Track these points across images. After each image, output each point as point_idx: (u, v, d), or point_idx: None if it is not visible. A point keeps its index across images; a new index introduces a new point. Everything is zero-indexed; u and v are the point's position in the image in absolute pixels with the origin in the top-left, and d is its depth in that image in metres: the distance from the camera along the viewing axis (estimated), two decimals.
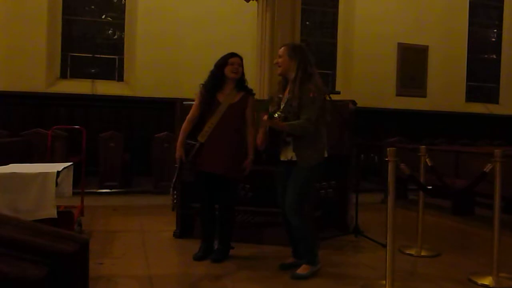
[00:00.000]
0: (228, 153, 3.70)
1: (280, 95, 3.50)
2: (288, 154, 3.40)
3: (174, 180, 3.87)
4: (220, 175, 3.70)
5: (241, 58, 3.82)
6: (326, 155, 3.47)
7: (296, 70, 3.37)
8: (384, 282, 3.17)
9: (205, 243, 3.88)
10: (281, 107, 3.41)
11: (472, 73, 10.87)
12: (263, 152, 3.48)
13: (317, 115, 3.32)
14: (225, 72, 3.76)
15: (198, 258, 3.79)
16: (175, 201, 3.75)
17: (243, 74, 3.83)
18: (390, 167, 3.17)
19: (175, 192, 3.77)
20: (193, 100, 3.94)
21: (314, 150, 3.37)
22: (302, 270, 3.42)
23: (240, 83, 3.82)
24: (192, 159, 3.71)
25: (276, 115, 3.27)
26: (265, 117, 3.25)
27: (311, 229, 3.48)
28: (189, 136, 3.77)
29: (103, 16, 8.89)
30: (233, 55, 3.80)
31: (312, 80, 3.37)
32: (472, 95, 10.90)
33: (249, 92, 3.84)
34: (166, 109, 7.59)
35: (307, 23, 9.89)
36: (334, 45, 10.04)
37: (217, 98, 3.76)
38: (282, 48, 3.51)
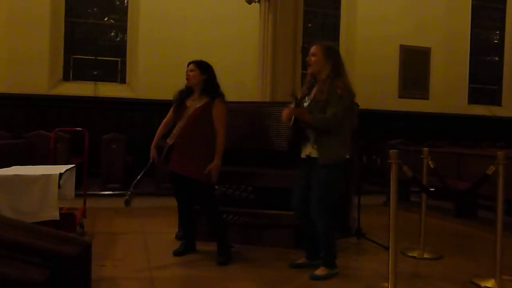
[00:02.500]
0: (193, 156, 3.79)
1: (307, 94, 3.50)
2: (307, 150, 3.42)
3: (138, 177, 3.99)
4: (189, 177, 3.79)
5: (195, 64, 3.89)
6: (347, 156, 3.47)
7: (329, 71, 3.39)
8: (386, 284, 3.17)
9: (185, 240, 4.05)
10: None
11: (474, 75, 10.86)
12: (288, 148, 3.51)
13: (343, 114, 3.31)
14: None
15: (177, 253, 3.93)
16: (129, 197, 3.82)
17: (208, 79, 3.87)
18: (393, 169, 3.16)
19: (131, 188, 3.85)
20: None
21: (334, 148, 3.35)
22: (320, 271, 3.43)
23: (206, 89, 3.87)
24: (163, 160, 3.93)
25: (304, 104, 3.29)
26: (292, 105, 3.26)
27: (334, 234, 3.53)
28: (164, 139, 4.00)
29: (106, 19, 8.91)
30: (189, 63, 3.95)
31: (342, 79, 3.40)
32: (474, 97, 10.89)
33: (214, 97, 3.85)
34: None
35: (309, 25, 9.90)
36: (336, 47, 10.04)
37: (185, 104, 3.92)
38: (316, 46, 3.51)
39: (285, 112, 3.44)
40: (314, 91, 3.47)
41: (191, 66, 3.92)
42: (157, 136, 4.05)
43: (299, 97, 3.40)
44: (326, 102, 3.29)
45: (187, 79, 3.92)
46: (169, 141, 3.89)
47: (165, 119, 4.11)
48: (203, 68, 3.90)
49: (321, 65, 3.43)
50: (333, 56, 3.47)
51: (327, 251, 3.48)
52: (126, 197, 3.83)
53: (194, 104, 3.88)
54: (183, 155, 3.82)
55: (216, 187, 4.12)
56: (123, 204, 3.86)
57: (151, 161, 4.01)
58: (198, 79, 3.88)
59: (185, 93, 3.96)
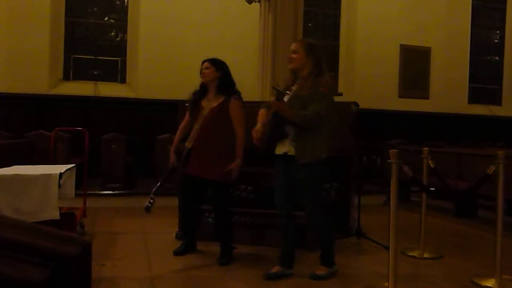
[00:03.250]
0: (213, 156, 3.73)
1: (288, 91, 3.38)
2: (285, 147, 3.31)
3: (158, 184, 3.92)
4: (206, 179, 3.75)
5: (210, 62, 3.86)
6: (324, 155, 3.32)
7: (311, 68, 3.31)
8: (386, 284, 3.17)
9: (186, 240, 4.04)
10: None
11: (474, 75, 10.86)
12: (262, 146, 3.34)
13: (324, 113, 3.24)
14: None
15: (177, 253, 3.94)
16: (150, 204, 3.74)
17: (223, 77, 3.85)
18: (393, 169, 3.16)
19: (153, 196, 3.76)
20: None
21: (312, 147, 3.25)
22: (321, 270, 3.43)
23: (221, 86, 3.84)
24: (182, 165, 3.85)
25: (285, 99, 3.19)
26: (273, 99, 3.17)
27: (333, 232, 3.53)
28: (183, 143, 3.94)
29: (106, 18, 8.91)
30: (203, 61, 3.91)
31: (324, 76, 3.33)
32: (474, 96, 10.88)
33: (230, 95, 3.82)
34: (169, 111, 7.58)
35: (309, 24, 9.90)
36: (336, 47, 10.04)
37: (201, 104, 3.86)
38: (297, 43, 3.43)
39: (263, 105, 3.39)
40: (294, 87, 3.37)
41: (206, 63, 3.87)
42: (176, 141, 4.00)
43: (281, 90, 3.29)
44: (308, 99, 3.20)
45: (203, 76, 3.86)
46: (188, 144, 3.83)
47: (182, 122, 4.03)
48: (218, 65, 3.87)
49: (302, 62, 3.33)
50: (315, 53, 3.35)
51: (326, 250, 3.47)
52: (148, 204, 3.71)
53: (209, 104, 3.82)
54: (202, 157, 3.75)
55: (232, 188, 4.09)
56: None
57: (171, 166, 3.94)
58: (214, 76, 3.83)
59: (200, 94, 3.90)
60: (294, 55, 3.36)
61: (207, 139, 3.75)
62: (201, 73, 3.87)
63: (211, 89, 3.86)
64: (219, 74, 3.84)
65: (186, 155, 3.81)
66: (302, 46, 3.37)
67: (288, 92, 3.32)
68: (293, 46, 3.42)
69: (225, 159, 3.72)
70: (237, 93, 3.85)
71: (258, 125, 3.36)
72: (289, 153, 3.29)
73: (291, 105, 3.23)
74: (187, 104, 4.05)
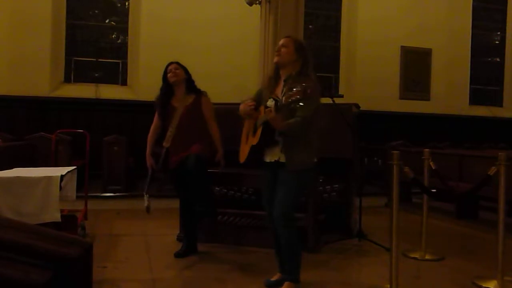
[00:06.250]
0: (190, 148, 3.83)
1: (271, 92, 3.19)
2: (275, 155, 3.13)
3: (146, 186, 4.02)
4: (186, 162, 3.73)
5: (178, 64, 4.08)
6: (316, 160, 3.19)
7: (299, 67, 3.16)
8: (388, 286, 3.16)
9: (187, 242, 4.05)
10: (268, 103, 3.12)
11: (475, 76, 10.86)
12: (253, 151, 3.15)
13: (311, 116, 3.04)
14: (168, 80, 4.01)
15: (178, 255, 3.95)
16: (149, 203, 3.88)
17: (189, 76, 4.08)
18: (394, 170, 3.16)
19: (147, 195, 3.93)
20: None
21: (304, 154, 3.08)
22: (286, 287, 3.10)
23: (189, 86, 4.05)
24: (162, 165, 3.96)
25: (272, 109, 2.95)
26: (270, 109, 2.93)
27: (299, 242, 3.16)
28: (159, 145, 4.04)
29: (107, 21, 8.93)
30: (169, 64, 4.10)
31: (311, 78, 3.15)
32: (475, 98, 10.89)
33: (200, 93, 4.05)
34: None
35: (310, 26, 9.91)
36: (337, 49, 10.05)
37: (172, 105, 4.00)
38: (287, 38, 3.26)
39: (261, 118, 3.09)
40: (279, 89, 3.18)
41: (175, 65, 4.06)
42: (150, 144, 4.11)
43: (264, 94, 3.16)
44: (297, 103, 2.88)
45: (174, 76, 3.99)
46: (165, 144, 3.93)
47: (153, 125, 4.14)
48: (184, 67, 4.10)
49: (290, 58, 3.14)
50: (305, 52, 3.20)
51: (293, 264, 3.13)
52: (146, 205, 3.86)
53: (182, 103, 3.97)
54: (180, 151, 3.85)
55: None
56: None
57: (150, 170, 4.04)
58: (183, 77, 4.03)
59: (167, 96, 4.03)
60: (283, 49, 3.17)
61: (185, 136, 3.88)
62: (171, 74, 4.00)
63: (179, 89, 4.03)
64: (186, 76, 4.07)
65: (165, 155, 3.93)
66: (292, 42, 3.21)
67: (277, 98, 3.10)
68: (283, 40, 3.25)
69: (202, 145, 3.88)
70: (204, 91, 4.08)
71: (268, 111, 3.02)
72: (281, 160, 3.11)
73: (281, 111, 2.99)
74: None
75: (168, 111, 3.99)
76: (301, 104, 2.87)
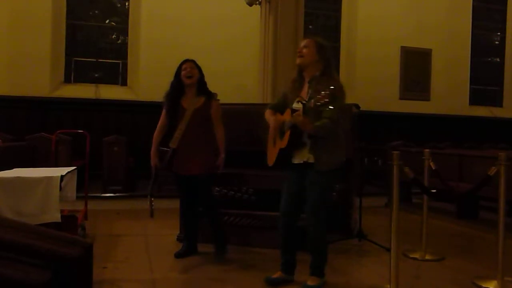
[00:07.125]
0: (200, 154, 3.83)
1: (296, 95, 3.22)
2: (304, 156, 3.17)
3: (150, 187, 3.96)
4: (195, 176, 3.82)
5: (193, 62, 3.95)
6: (344, 159, 3.26)
7: (322, 67, 3.19)
8: (388, 286, 3.16)
9: (187, 242, 4.06)
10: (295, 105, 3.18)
11: (475, 76, 10.86)
12: (282, 153, 3.18)
13: (338, 116, 3.09)
14: (182, 79, 3.90)
15: (178, 255, 3.95)
16: (153, 207, 3.85)
17: (202, 77, 3.95)
18: (394, 170, 3.16)
19: (152, 199, 3.86)
20: None
21: (332, 154, 3.15)
22: (312, 281, 3.24)
23: (200, 87, 3.94)
24: (166, 165, 3.88)
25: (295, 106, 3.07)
26: (299, 112, 2.97)
27: (327, 240, 3.33)
28: (164, 144, 3.97)
29: (107, 21, 8.93)
30: (185, 61, 3.96)
31: (336, 79, 3.21)
32: (475, 98, 10.88)
33: (211, 96, 3.93)
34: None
35: (310, 26, 9.91)
36: (337, 49, 10.05)
37: (181, 105, 3.91)
38: (309, 40, 3.30)
39: (288, 122, 3.13)
40: (304, 91, 3.21)
41: (191, 64, 3.93)
42: (155, 142, 4.00)
43: (289, 98, 3.20)
44: (324, 105, 2.91)
45: (190, 75, 3.87)
46: (172, 145, 3.85)
47: (159, 123, 4.04)
48: (200, 68, 3.97)
49: (312, 59, 3.20)
50: (327, 53, 3.25)
51: (319, 259, 3.26)
52: (151, 209, 3.85)
53: (192, 104, 3.87)
54: (189, 156, 3.82)
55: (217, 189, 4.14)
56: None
57: (154, 169, 3.94)
58: (198, 77, 3.92)
59: (177, 94, 3.95)
60: (305, 50, 3.22)
61: (193, 139, 3.82)
62: (185, 72, 3.88)
63: (191, 90, 3.92)
64: (200, 76, 3.95)
65: (171, 156, 3.85)
66: (314, 43, 3.26)
67: (304, 101, 3.09)
68: (305, 41, 3.31)
69: (208, 155, 3.87)
70: (215, 94, 3.97)
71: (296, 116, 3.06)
72: (309, 161, 3.16)
73: (305, 111, 3.03)
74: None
75: (177, 111, 3.90)
76: (330, 107, 2.92)
